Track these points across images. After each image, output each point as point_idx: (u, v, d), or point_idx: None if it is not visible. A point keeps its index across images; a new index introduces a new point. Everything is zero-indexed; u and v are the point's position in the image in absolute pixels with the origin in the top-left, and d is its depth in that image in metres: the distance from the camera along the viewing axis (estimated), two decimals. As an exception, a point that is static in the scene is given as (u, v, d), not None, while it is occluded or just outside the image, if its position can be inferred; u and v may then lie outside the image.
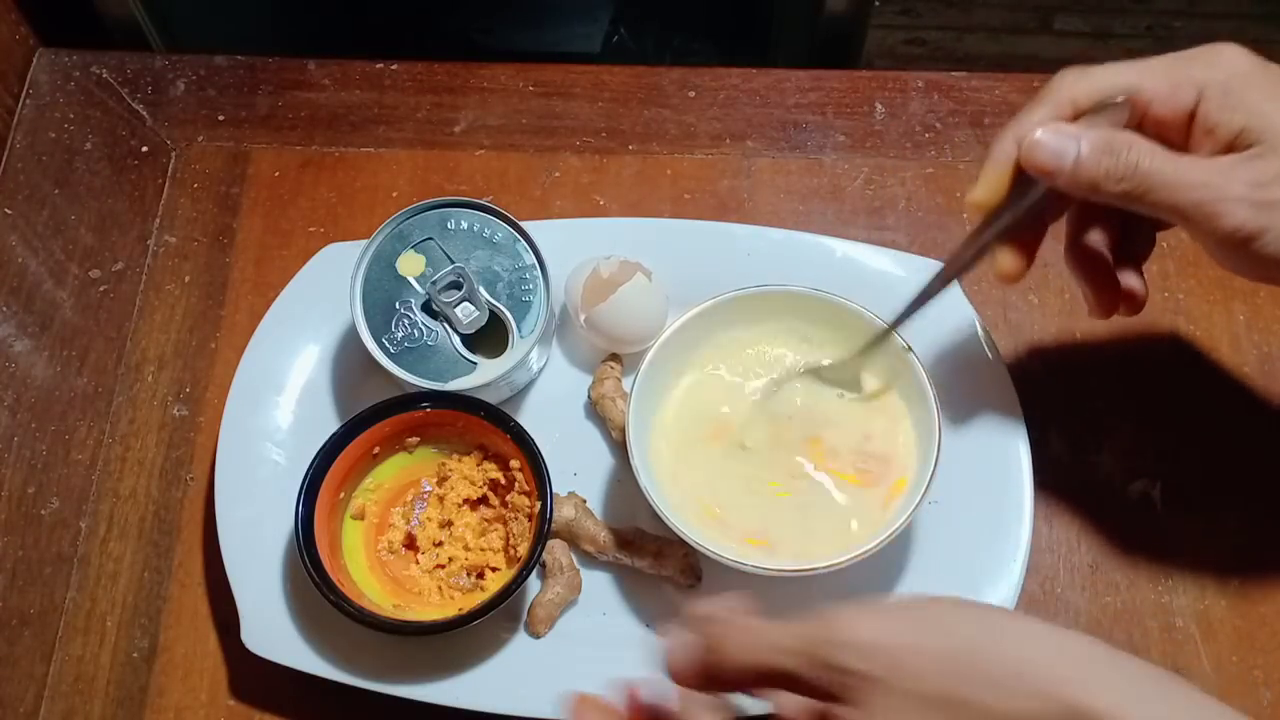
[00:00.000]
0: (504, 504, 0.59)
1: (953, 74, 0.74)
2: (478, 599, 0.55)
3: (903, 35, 0.99)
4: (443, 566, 0.59)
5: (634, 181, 0.71)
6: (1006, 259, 0.52)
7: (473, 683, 0.56)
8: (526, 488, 0.57)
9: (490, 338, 0.60)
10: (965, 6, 0.97)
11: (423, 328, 0.59)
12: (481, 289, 0.59)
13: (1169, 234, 0.68)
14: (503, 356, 0.59)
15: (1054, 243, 0.68)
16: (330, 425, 0.62)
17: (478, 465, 0.60)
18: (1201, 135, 0.48)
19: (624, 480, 0.61)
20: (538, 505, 0.56)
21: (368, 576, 0.58)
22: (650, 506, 0.55)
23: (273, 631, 0.57)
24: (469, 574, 0.59)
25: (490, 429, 0.58)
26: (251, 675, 0.59)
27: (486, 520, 0.59)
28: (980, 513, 0.59)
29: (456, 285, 0.59)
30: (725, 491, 0.57)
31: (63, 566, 0.62)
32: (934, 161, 0.72)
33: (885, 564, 0.58)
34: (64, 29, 0.79)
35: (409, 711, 0.56)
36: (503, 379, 0.59)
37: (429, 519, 0.59)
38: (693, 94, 0.74)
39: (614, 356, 0.63)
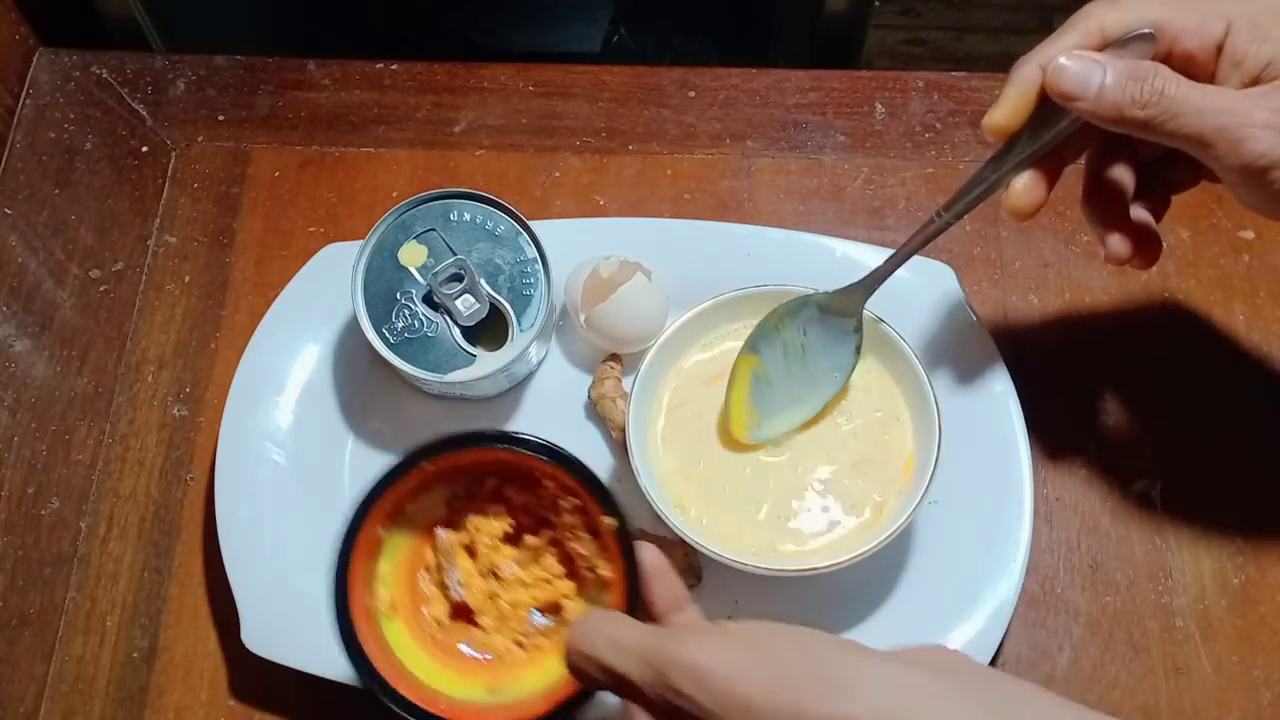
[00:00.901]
0: (541, 523, 0.53)
1: (953, 74, 0.74)
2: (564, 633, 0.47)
3: (903, 35, 0.99)
4: (507, 618, 0.52)
5: (634, 181, 0.71)
6: (1021, 191, 0.51)
7: (473, 683, 0.56)
8: (573, 502, 0.51)
9: (490, 330, 0.60)
10: (965, 6, 0.97)
11: (423, 319, 0.59)
12: (483, 281, 0.59)
13: (1169, 233, 0.68)
14: (502, 349, 0.59)
15: (1054, 242, 0.69)
16: (330, 425, 0.62)
17: (495, 494, 0.54)
18: (1229, 68, 0.48)
19: (624, 480, 0.61)
20: (607, 522, 0.49)
21: (442, 673, 0.50)
22: (650, 506, 0.55)
23: (273, 631, 0.57)
24: (543, 613, 0.52)
25: (493, 455, 0.51)
26: (251, 675, 0.59)
27: (531, 550, 0.53)
28: (980, 513, 0.59)
29: (458, 277, 0.59)
30: (725, 491, 0.57)
31: (63, 566, 0.62)
32: (934, 161, 0.72)
33: (885, 564, 0.58)
34: (64, 29, 0.79)
35: (409, 711, 0.56)
36: (502, 371, 0.59)
37: (469, 575, 0.52)
38: (693, 94, 0.74)
39: (614, 356, 0.63)
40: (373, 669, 0.48)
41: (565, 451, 0.50)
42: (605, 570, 0.50)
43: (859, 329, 0.57)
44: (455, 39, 1.14)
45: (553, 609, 0.52)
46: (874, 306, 0.58)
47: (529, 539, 0.53)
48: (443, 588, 0.53)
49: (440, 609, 0.53)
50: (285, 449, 0.61)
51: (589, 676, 0.40)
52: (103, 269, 0.70)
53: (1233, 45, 0.48)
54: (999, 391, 0.61)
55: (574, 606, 0.52)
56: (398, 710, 0.47)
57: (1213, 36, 0.48)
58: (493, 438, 0.51)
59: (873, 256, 0.64)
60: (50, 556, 0.63)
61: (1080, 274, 0.68)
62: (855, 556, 0.53)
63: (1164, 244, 0.54)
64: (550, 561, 0.53)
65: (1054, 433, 0.63)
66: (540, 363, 0.64)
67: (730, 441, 0.58)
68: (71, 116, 0.74)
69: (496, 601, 0.52)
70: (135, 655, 0.60)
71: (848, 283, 0.56)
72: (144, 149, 0.74)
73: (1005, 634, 0.57)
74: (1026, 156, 0.50)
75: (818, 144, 0.72)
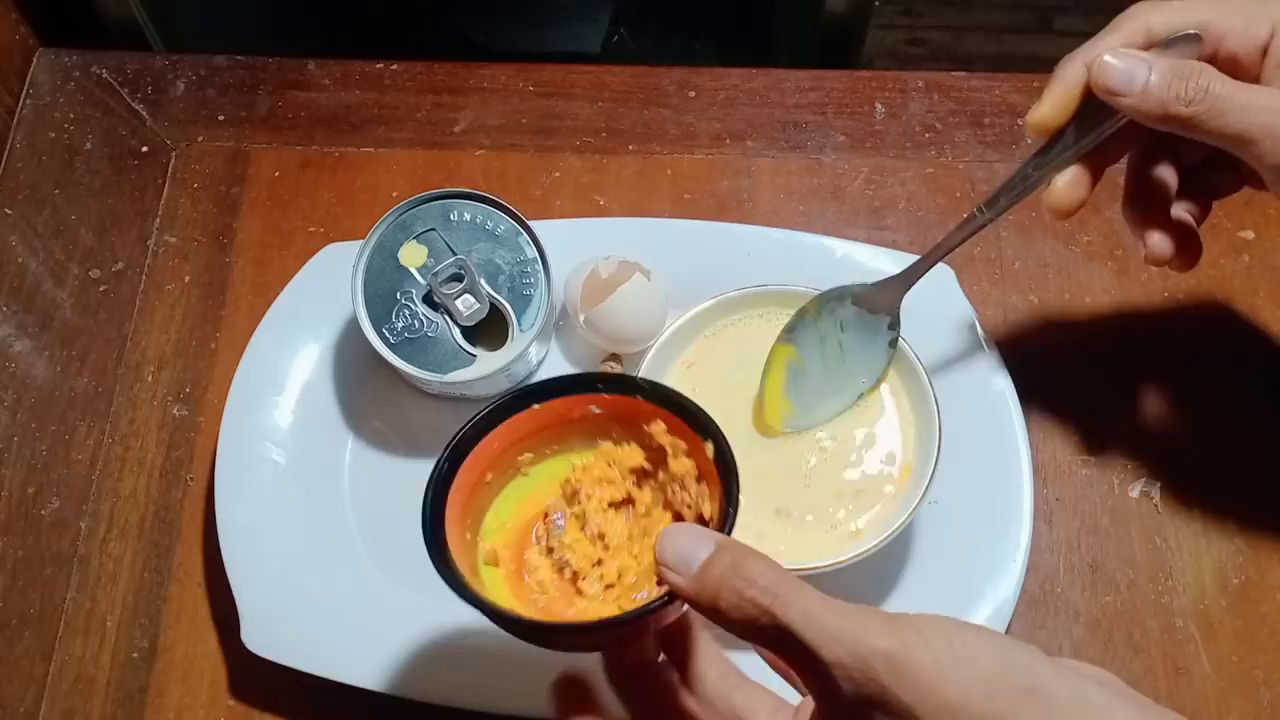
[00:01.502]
0: (658, 486, 0.48)
1: (953, 74, 0.74)
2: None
3: (903, 35, 0.99)
4: (613, 586, 0.47)
5: (634, 181, 0.71)
6: (1063, 189, 0.51)
7: (473, 682, 0.56)
8: (683, 446, 0.46)
9: (490, 330, 0.60)
10: (965, 6, 0.97)
11: (423, 319, 0.59)
12: (483, 281, 0.60)
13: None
14: (502, 349, 0.59)
15: (1054, 242, 0.69)
16: (330, 425, 0.62)
17: (610, 458, 0.49)
18: (1274, 69, 0.48)
19: (624, 480, 0.61)
20: (708, 447, 0.45)
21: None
22: (650, 506, 0.55)
23: (273, 631, 0.57)
24: (654, 582, 0.45)
25: (614, 403, 0.47)
26: (251, 675, 0.59)
27: (643, 516, 0.48)
28: (980, 513, 0.59)
29: (458, 277, 0.59)
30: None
31: (63, 566, 0.62)
32: (934, 161, 0.72)
33: (885, 564, 0.58)
34: (64, 29, 0.79)
35: (409, 711, 0.56)
36: (502, 371, 0.59)
37: (575, 540, 0.48)
38: (693, 94, 0.74)
39: (614, 356, 0.63)
40: (455, 571, 0.42)
41: (662, 387, 0.46)
42: (708, 508, 0.45)
43: (895, 325, 0.57)
44: (455, 39, 1.14)
45: (659, 581, 0.45)
46: (874, 306, 0.58)
47: (640, 505, 0.48)
48: (550, 552, 0.48)
49: (546, 576, 0.48)
50: (285, 449, 0.61)
51: (742, 623, 0.36)
52: (103, 269, 0.70)
53: (1278, 47, 0.48)
54: (999, 391, 0.61)
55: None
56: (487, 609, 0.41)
57: (1258, 39, 0.48)
58: (592, 380, 0.47)
59: (873, 256, 0.64)
60: (50, 556, 0.63)
61: (1080, 274, 0.68)
62: (855, 556, 0.53)
63: (1206, 218, 0.54)
64: (658, 524, 0.47)
65: (1054, 433, 0.63)
66: (540, 363, 0.64)
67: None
68: (71, 116, 0.74)
69: (600, 569, 0.47)
70: (135, 655, 0.60)
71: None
72: (144, 149, 0.74)
73: (1005, 634, 0.57)
74: (1069, 154, 0.51)
75: (818, 144, 0.73)
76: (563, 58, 1.07)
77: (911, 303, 0.61)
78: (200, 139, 0.74)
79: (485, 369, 0.59)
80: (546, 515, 0.49)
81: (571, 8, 1.15)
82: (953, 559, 0.58)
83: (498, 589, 0.47)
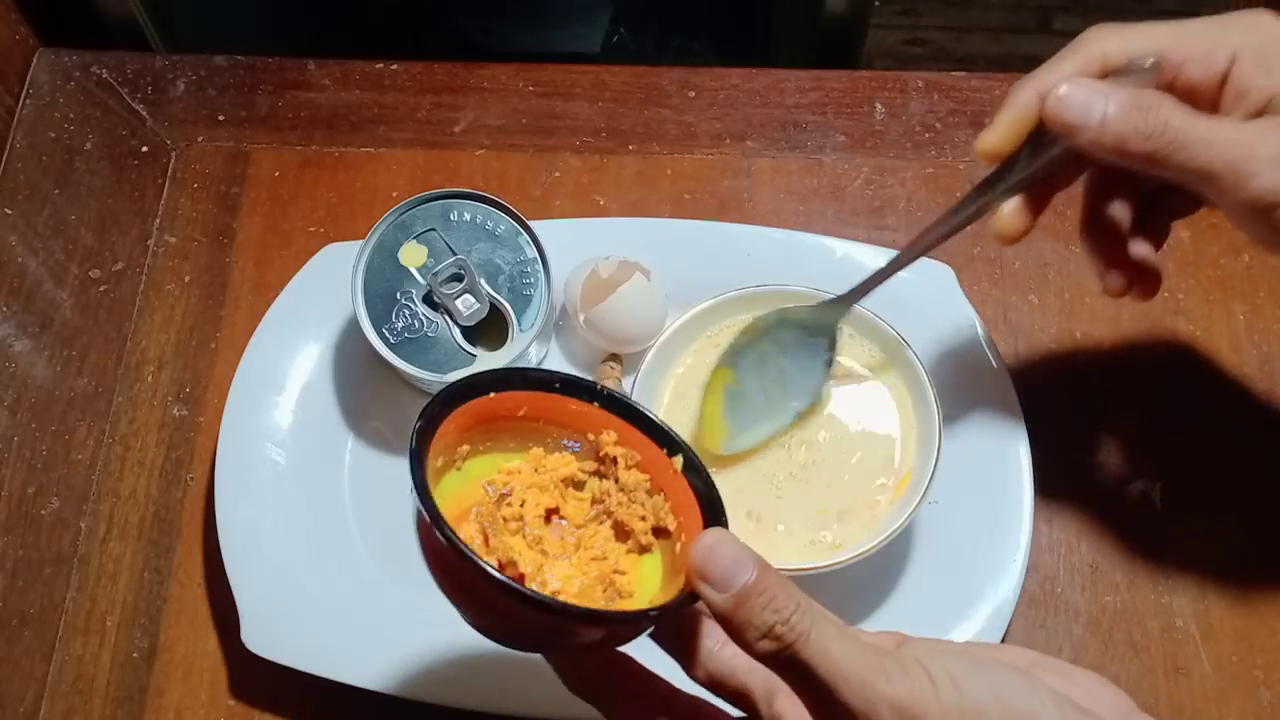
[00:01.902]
0: (593, 499, 0.46)
1: (953, 74, 0.74)
2: (632, 606, 0.43)
3: (903, 35, 0.99)
4: (558, 593, 0.44)
5: (634, 181, 0.71)
6: (1008, 216, 0.50)
7: (473, 682, 0.56)
8: (635, 459, 0.45)
9: (490, 330, 0.60)
10: (965, 6, 0.97)
11: (423, 319, 0.59)
12: (483, 281, 0.60)
13: (1170, 233, 0.68)
14: (502, 349, 0.59)
15: (1054, 242, 0.69)
16: (330, 425, 0.62)
17: (540, 464, 0.46)
18: (1233, 99, 0.47)
19: (624, 480, 0.61)
20: (678, 460, 0.44)
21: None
22: (650, 506, 0.55)
23: (273, 631, 0.57)
24: (597, 589, 0.44)
25: (555, 406, 0.45)
26: (251, 675, 0.59)
27: (579, 526, 0.46)
28: (980, 513, 0.59)
29: (458, 277, 0.59)
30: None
31: (63, 566, 0.62)
32: (934, 161, 0.72)
33: (885, 564, 0.58)
34: (64, 29, 0.79)
35: (409, 711, 0.56)
36: (502, 372, 0.59)
37: (515, 545, 0.44)
38: (693, 94, 0.74)
39: (614, 356, 0.63)
40: (441, 520, 0.38)
41: (621, 395, 0.45)
42: (671, 521, 0.44)
43: (831, 347, 0.57)
44: (455, 39, 1.14)
45: (605, 585, 0.45)
46: (875, 306, 0.58)
47: (573, 516, 0.46)
48: (489, 549, 0.44)
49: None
50: (285, 449, 0.61)
51: (762, 651, 0.36)
52: (103, 269, 0.70)
53: (1238, 76, 0.47)
54: (999, 391, 0.61)
55: (629, 580, 0.44)
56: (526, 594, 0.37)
57: (1217, 67, 0.47)
58: (550, 379, 0.45)
59: (873, 256, 0.64)
60: (50, 556, 0.63)
61: (1080, 274, 0.68)
62: (855, 556, 0.53)
63: (1165, 242, 0.54)
64: (598, 539, 0.45)
65: (1054, 433, 0.63)
66: (540, 363, 0.64)
67: (729, 441, 0.58)
68: (71, 116, 0.74)
69: (544, 575, 0.44)
70: (135, 655, 0.60)
71: (842, 289, 0.56)
72: (144, 149, 0.74)
73: (1005, 634, 0.57)
74: (1018, 182, 0.49)
75: (818, 144, 0.73)
76: (563, 58, 1.07)
77: (911, 303, 0.61)
78: (200, 139, 0.74)
79: (485, 369, 0.59)
80: (467, 518, 0.44)
81: (571, 8, 1.15)
82: (953, 559, 0.58)
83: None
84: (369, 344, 0.59)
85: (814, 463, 0.57)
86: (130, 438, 0.65)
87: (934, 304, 0.63)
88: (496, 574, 0.36)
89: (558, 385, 0.45)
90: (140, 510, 0.64)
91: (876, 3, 0.92)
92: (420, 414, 0.41)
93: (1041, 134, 0.48)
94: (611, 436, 0.45)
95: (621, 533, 0.45)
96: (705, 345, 0.60)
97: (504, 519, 0.45)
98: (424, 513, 0.38)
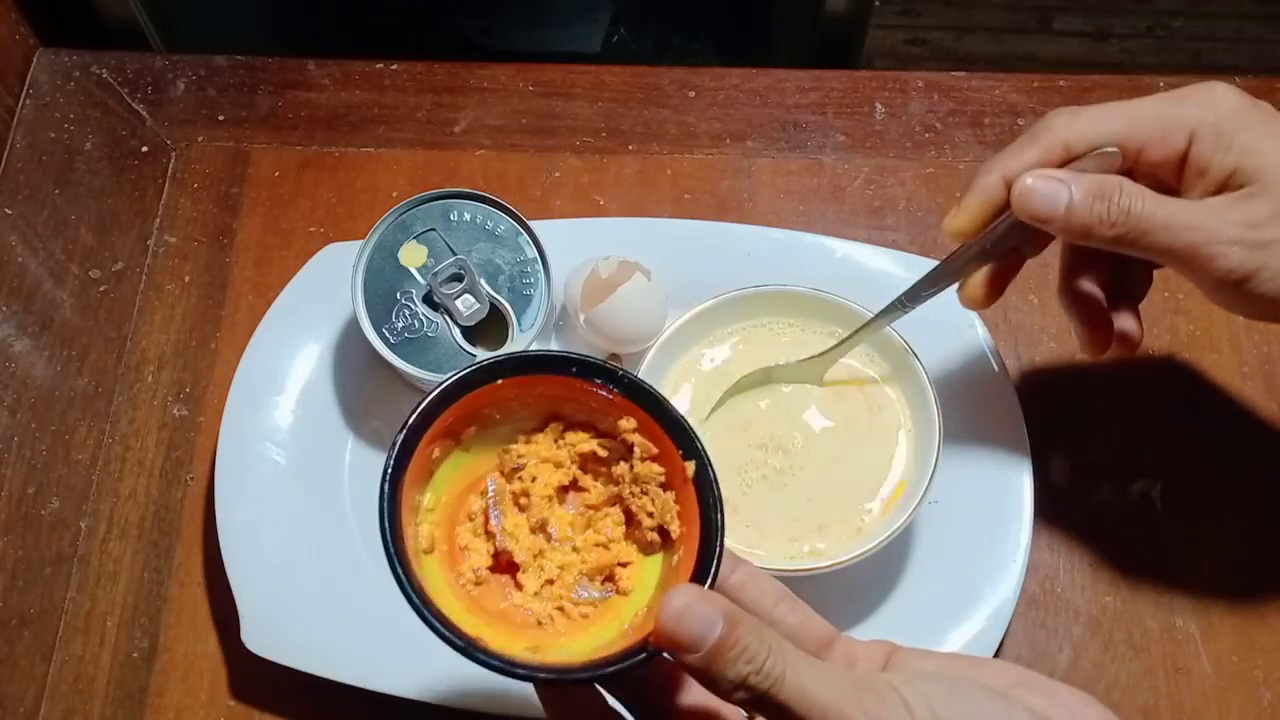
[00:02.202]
0: (610, 479, 0.45)
1: (953, 74, 0.74)
2: (620, 609, 0.43)
3: (903, 35, 0.99)
4: (552, 582, 0.44)
5: (634, 181, 0.71)
6: (975, 286, 0.52)
7: (473, 682, 0.56)
8: (652, 450, 0.43)
9: (490, 330, 0.60)
10: (965, 6, 0.97)
11: (423, 319, 0.60)
12: (483, 281, 0.60)
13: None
14: (502, 349, 0.59)
15: (1053, 243, 0.69)
16: (330, 425, 0.62)
17: (557, 440, 0.46)
18: (1194, 176, 0.48)
19: (624, 480, 0.61)
20: (690, 466, 0.42)
21: (479, 623, 0.42)
22: (650, 506, 0.55)
23: (273, 631, 0.57)
24: (595, 579, 0.44)
25: (572, 388, 0.44)
26: (251, 675, 0.59)
27: (590, 507, 0.45)
28: (980, 512, 0.59)
29: (458, 277, 0.59)
30: (725, 490, 0.57)
31: (63, 566, 0.62)
32: (934, 161, 0.72)
33: (885, 564, 0.58)
34: (64, 29, 0.79)
35: (409, 711, 0.56)
36: (502, 373, 0.59)
37: (516, 526, 0.44)
38: (693, 94, 0.74)
39: (614, 356, 0.63)
40: (413, 581, 0.38)
41: (644, 384, 0.43)
42: (676, 527, 0.42)
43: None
44: (455, 39, 1.14)
45: (605, 577, 0.44)
46: (873, 308, 0.58)
47: (588, 495, 0.45)
48: (488, 535, 0.44)
49: (480, 561, 0.44)
50: (285, 449, 0.61)
51: (740, 700, 0.36)
52: (103, 269, 0.70)
53: (1196, 154, 0.48)
54: (999, 391, 0.61)
55: (629, 574, 0.44)
56: (461, 644, 0.37)
57: (1176, 147, 0.48)
58: (566, 362, 0.43)
59: (873, 256, 0.64)
60: (50, 556, 0.63)
61: (1080, 274, 0.68)
62: (855, 556, 0.53)
63: (1148, 291, 0.55)
64: (609, 523, 0.45)
65: (1054, 433, 0.63)
66: (540, 363, 0.64)
67: (729, 441, 0.58)
68: (71, 116, 0.74)
69: (541, 561, 0.44)
70: (135, 655, 0.60)
71: (842, 289, 0.56)
72: (144, 149, 0.74)
73: (1005, 634, 0.57)
74: (985, 252, 0.51)
75: (818, 144, 0.73)
76: (563, 58, 1.07)
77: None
78: (200, 139, 0.74)
79: (489, 357, 0.59)
80: (480, 489, 0.45)
81: (571, 8, 1.15)
82: (953, 559, 0.58)
83: (435, 581, 0.42)
84: (369, 344, 0.59)
85: (796, 467, 0.57)
86: (130, 438, 0.65)
87: (933, 304, 0.62)
88: (454, 639, 0.37)
89: (575, 369, 0.43)
90: (140, 510, 0.64)
91: (876, 3, 0.92)
92: (402, 426, 0.40)
93: (1008, 211, 0.49)
94: (631, 424, 0.43)
95: (632, 522, 0.44)
96: (706, 347, 0.60)
97: (513, 494, 0.44)
98: (392, 570, 0.38)
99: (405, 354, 0.59)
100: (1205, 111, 0.48)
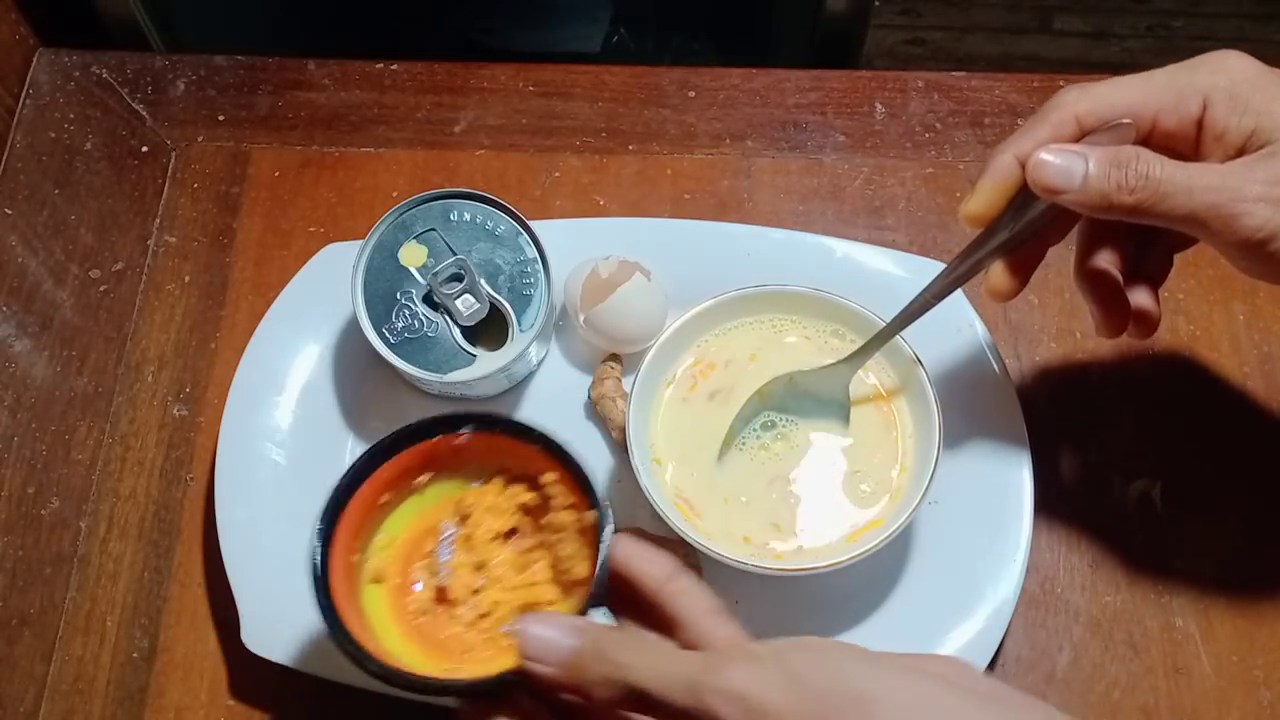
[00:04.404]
0: (541, 528, 0.51)
1: (953, 74, 0.74)
2: None
3: (903, 35, 0.99)
4: (487, 615, 0.50)
5: (634, 181, 0.71)
6: (999, 277, 0.51)
7: (473, 683, 0.56)
8: (569, 500, 0.49)
9: (490, 330, 0.60)
10: (965, 6, 0.97)
11: (423, 319, 0.60)
12: (483, 281, 0.60)
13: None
14: (502, 349, 0.59)
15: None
16: (330, 425, 0.62)
17: (501, 492, 0.52)
18: (1211, 142, 0.47)
19: (625, 480, 0.61)
20: (589, 516, 0.47)
21: (406, 646, 0.49)
22: (652, 505, 0.55)
23: (273, 631, 0.57)
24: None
25: (508, 444, 0.50)
26: (251, 675, 0.59)
27: (525, 551, 0.51)
28: (980, 513, 0.59)
29: (458, 277, 0.59)
30: (726, 491, 0.57)
31: (63, 566, 0.62)
32: (934, 161, 0.72)
33: (885, 564, 0.58)
34: (64, 29, 0.79)
35: (408, 711, 0.56)
36: (502, 371, 0.59)
37: (459, 565, 0.51)
38: (693, 94, 0.74)
39: (614, 356, 0.63)
40: (336, 617, 0.46)
41: (562, 444, 0.49)
42: (581, 570, 0.48)
43: (846, 416, 0.58)
44: (455, 39, 1.14)
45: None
46: (874, 307, 0.58)
47: (523, 540, 0.51)
48: (433, 573, 0.51)
49: (426, 595, 0.51)
50: (285, 449, 0.61)
51: (599, 700, 0.40)
52: (103, 269, 0.70)
53: (1212, 119, 0.47)
54: (998, 392, 0.61)
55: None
56: (340, 642, 0.46)
57: (1191, 113, 0.47)
58: (491, 421, 0.50)
59: (873, 256, 0.64)
60: (50, 556, 0.63)
61: (1080, 274, 0.68)
62: (855, 556, 0.53)
63: (1168, 276, 0.54)
64: (539, 569, 0.50)
65: (1054, 433, 0.63)
66: (540, 363, 0.64)
67: (730, 442, 0.58)
68: (71, 116, 0.74)
69: (478, 598, 0.50)
70: (135, 655, 0.60)
71: (841, 289, 0.57)
72: (144, 149, 0.74)
73: (1005, 634, 0.57)
74: (1006, 241, 0.50)
75: (818, 144, 0.73)
76: (563, 58, 1.07)
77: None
78: (200, 139, 0.74)
79: (485, 369, 0.59)
80: (436, 532, 0.51)
81: (571, 8, 1.15)
82: (953, 559, 0.58)
83: (377, 608, 0.50)
84: (369, 344, 0.59)
85: (796, 467, 0.58)
86: (130, 438, 0.65)
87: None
88: (354, 650, 0.45)
89: (500, 427, 0.50)
90: (140, 510, 0.64)
91: (876, 3, 0.92)
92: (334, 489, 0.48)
93: (1025, 195, 0.49)
94: (552, 477, 0.49)
95: (555, 567, 0.50)
96: (705, 346, 0.60)
97: (463, 537, 0.51)
98: (312, 593, 0.46)
99: (405, 354, 0.59)
100: (1218, 77, 0.47)
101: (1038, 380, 0.64)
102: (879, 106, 0.74)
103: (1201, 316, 0.67)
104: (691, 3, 1.17)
